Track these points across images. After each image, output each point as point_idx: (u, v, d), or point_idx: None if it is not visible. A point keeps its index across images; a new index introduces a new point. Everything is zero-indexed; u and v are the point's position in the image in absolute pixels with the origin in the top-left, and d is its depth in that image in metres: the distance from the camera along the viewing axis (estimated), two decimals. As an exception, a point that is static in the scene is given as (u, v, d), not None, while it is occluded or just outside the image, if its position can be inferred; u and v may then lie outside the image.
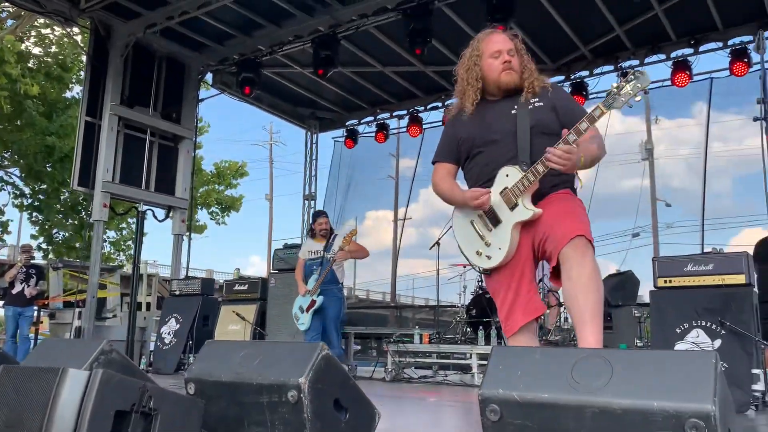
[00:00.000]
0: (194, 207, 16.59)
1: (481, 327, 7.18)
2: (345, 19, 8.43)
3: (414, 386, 6.87)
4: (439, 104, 10.85)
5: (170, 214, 9.73)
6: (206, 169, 18.93)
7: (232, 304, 8.07)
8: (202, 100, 10.59)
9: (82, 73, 13.06)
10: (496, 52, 2.73)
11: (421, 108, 11.02)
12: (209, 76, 10.56)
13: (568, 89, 9.33)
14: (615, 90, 2.44)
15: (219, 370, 2.41)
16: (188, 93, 9.85)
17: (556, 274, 2.50)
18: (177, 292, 8.46)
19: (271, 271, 8.37)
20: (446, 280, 8.66)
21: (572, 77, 9.53)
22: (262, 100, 11.20)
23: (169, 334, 8.03)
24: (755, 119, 3.08)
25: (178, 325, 8.01)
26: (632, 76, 2.41)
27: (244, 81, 9.44)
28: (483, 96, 2.79)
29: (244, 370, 2.33)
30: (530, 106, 2.69)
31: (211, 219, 19.27)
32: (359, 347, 10.78)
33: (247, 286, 8.27)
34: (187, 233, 9.94)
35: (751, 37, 8.20)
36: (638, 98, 2.40)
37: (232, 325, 7.83)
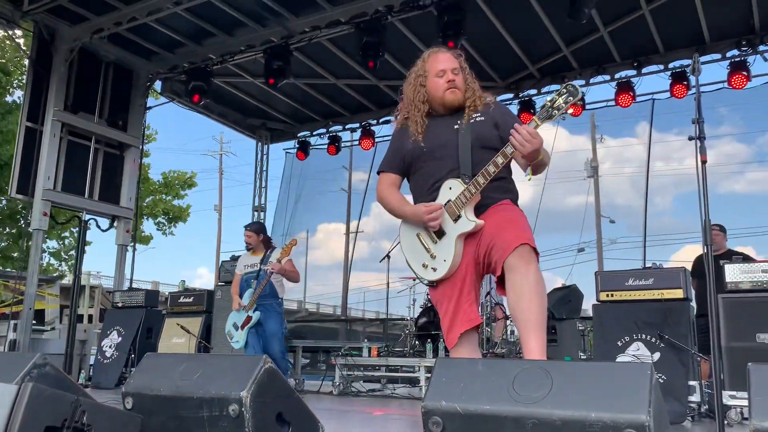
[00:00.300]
0: (140, 217, 16.20)
1: (429, 340, 7.22)
2: (298, 31, 8.40)
3: (362, 400, 6.84)
4: (392, 118, 10.89)
5: (114, 224, 9.45)
6: (154, 179, 18.53)
7: (176, 317, 7.87)
8: (150, 108, 10.37)
9: (24, 77, 12.64)
10: (440, 71, 2.81)
11: (374, 121, 11.04)
12: (158, 84, 10.36)
13: (516, 107, 9.55)
14: (549, 104, 2.56)
15: (158, 383, 2.34)
16: (136, 100, 9.64)
17: (501, 283, 2.54)
18: (120, 304, 8.24)
19: (218, 284, 8.22)
20: (396, 293, 8.69)
21: (521, 95, 9.72)
22: (212, 109, 11.04)
23: (110, 347, 7.79)
24: (690, 138, 3.20)
25: (120, 338, 7.78)
26: (564, 90, 2.53)
27: (194, 89, 9.26)
28: (428, 112, 2.86)
29: (184, 384, 2.27)
30: (472, 121, 2.77)
31: (158, 230, 18.85)
32: (308, 361, 10.67)
33: (192, 298, 8.09)
34: (132, 244, 9.69)
35: (690, 61, 8.55)
36: (570, 111, 2.51)
37: (177, 338, 7.65)
